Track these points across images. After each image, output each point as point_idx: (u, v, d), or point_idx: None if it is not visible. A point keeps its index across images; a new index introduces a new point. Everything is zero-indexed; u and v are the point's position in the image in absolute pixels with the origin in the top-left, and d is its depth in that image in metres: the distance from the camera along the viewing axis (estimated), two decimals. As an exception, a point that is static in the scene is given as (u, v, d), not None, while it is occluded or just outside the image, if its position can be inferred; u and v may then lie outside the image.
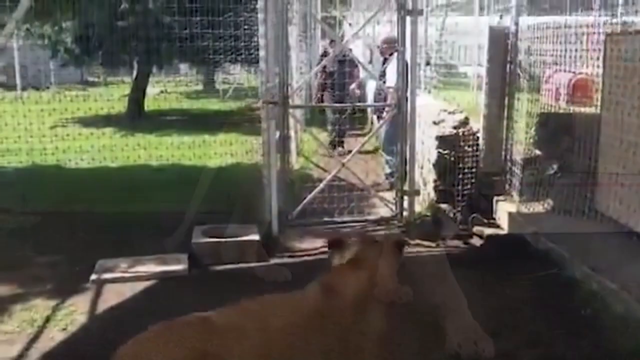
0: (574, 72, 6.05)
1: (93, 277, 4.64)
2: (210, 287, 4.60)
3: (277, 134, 5.51)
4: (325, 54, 8.96)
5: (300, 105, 6.19)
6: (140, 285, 4.61)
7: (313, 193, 5.77)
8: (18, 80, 18.58)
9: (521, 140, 5.69)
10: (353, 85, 7.65)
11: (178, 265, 4.83)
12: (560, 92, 5.83)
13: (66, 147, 8.50)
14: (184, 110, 16.17)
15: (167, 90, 19.30)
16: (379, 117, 7.73)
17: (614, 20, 4.89)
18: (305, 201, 5.72)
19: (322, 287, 2.54)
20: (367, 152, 8.53)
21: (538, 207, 5.42)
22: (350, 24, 14.59)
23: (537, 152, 5.54)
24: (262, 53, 5.40)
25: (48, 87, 19.37)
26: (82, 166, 8.57)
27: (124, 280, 4.65)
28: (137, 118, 14.29)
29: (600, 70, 4.88)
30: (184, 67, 19.98)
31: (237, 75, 17.67)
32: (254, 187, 5.83)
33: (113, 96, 15.88)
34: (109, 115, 13.32)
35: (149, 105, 15.57)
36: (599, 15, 4.92)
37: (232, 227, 5.38)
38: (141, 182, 7.71)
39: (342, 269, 2.62)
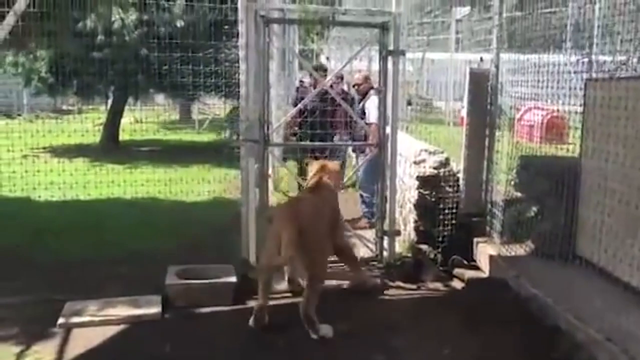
0: (545, 110, 6.13)
1: (60, 320, 4.43)
2: (184, 333, 4.42)
3: (256, 167, 5.41)
4: (301, 87, 8.99)
5: (280, 144, 6.09)
6: (111, 331, 4.40)
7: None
8: (-12, 108, 18.25)
9: (502, 182, 5.67)
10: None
11: (150, 309, 4.64)
12: (532, 131, 5.87)
13: (36, 179, 8.24)
14: (159, 140, 15.99)
15: (142, 120, 19.09)
16: (356, 153, 7.74)
17: (590, 59, 4.94)
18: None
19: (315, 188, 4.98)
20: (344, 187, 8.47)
21: (519, 250, 5.37)
22: (327, 58, 14.66)
23: (518, 194, 5.51)
24: (242, 90, 5.32)
25: (20, 115, 19.08)
26: (52, 199, 8.34)
27: (94, 324, 4.45)
28: (111, 148, 14.10)
29: (575, 108, 4.91)
30: (160, 96, 19.83)
31: (214, 105, 17.58)
32: (232, 223, 5.69)
33: (87, 126, 15.70)
34: (81, 145, 13.11)
35: (124, 135, 15.37)
36: (574, 55, 4.98)
37: (208, 267, 5.22)
38: (112, 218, 7.50)
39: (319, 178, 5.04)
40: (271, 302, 4.68)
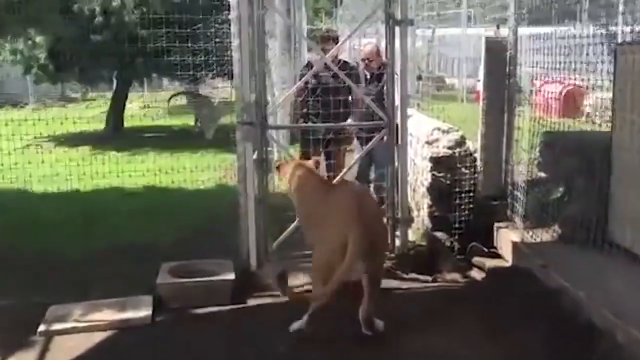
0: (564, 83, 5.63)
1: (41, 328, 4.04)
2: (177, 337, 4.02)
3: (255, 154, 4.96)
4: (308, 66, 8.09)
5: (280, 126, 5.49)
6: (97, 337, 4.00)
7: (296, 222, 5.19)
8: (-7, 97, 17.95)
9: (524, 161, 5.17)
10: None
11: (140, 312, 4.24)
12: (550, 104, 5.38)
13: (34, 170, 7.85)
14: (165, 126, 15.58)
15: (149, 105, 18.69)
16: (360, 139, 6.34)
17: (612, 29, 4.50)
18: (286, 232, 5.15)
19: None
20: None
21: (545, 236, 4.89)
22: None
23: (542, 174, 5.01)
24: (236, 68, 4.86)
25: (27, 104, 18.78)
26: (50, 190, 7.97)
27: (78, 330, 4.05)
28: (115, 135, 13.74)
29: (605, 83, 4.41)
30: (167, 81, 19.45)
31: (221, 88, 17.13)
32: (233, 213, 5.26)
33: (92, 113, 15.33)
34: (86, 132, 12.76)
35: (129, 121, 14.98)
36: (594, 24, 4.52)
37: (205, 263, 4.81)
38: (110, 210, 7.10)
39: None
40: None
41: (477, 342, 3.84)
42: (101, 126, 14.28)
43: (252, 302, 4.54)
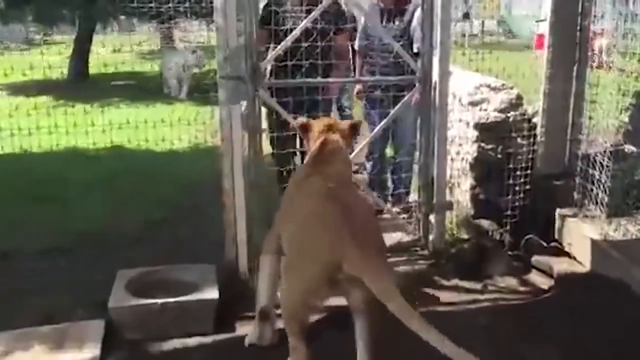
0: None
1: None
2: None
3: (243, 107, 3.62)
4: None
5: (280, 82, 3.99)
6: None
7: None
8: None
9: (604, 129, 3.90)
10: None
11: (84, 350, 2.95)
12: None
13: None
14: (136, 73, 13.95)
15: (119, 49, 16.97)
16: (371, 102, 4.73)
17: None
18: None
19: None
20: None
21: (632, 229, 3.68)
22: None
23: (632, 147, 3.76)
24: (217, 2, 3.46)
25: (-15, 47, 16.99)
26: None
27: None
28: (79, 83, 12.22)
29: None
30: (139, 24, 17.77)
31: (198, 32, 15.49)
32: (213, 184, 3.96)
33: (52, 58, 13.65)
34: (47, 80, 11.16)
35: (96, 67, 13.35)
36: None
37: (178, 270, 3.53)
38: (60, 181, 5.73)
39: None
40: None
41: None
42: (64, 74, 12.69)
43: (242, 328, 3.27)
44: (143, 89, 12.10)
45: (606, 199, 3.75)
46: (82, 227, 4.52)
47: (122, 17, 12.48)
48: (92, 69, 12.91)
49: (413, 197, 4.56)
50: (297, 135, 4.11)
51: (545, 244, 4.01)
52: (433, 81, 3.86)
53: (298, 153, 4.19)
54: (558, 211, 4.09)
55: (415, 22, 4.47)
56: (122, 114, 8.59)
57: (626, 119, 3.77)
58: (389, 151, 4.99)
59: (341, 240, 2.37)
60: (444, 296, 3.65)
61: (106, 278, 3.40)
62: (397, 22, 4.58)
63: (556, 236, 4.06)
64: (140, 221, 4.64)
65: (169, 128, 5.46)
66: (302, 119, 3.18)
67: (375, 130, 4.21)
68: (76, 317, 3.30)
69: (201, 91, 7.49)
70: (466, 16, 4.81)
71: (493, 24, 20.12)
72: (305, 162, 3.06)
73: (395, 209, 4.33)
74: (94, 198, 5.28)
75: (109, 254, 4.03)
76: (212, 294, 3.25)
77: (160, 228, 4.57)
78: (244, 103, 3.65)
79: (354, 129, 3.11)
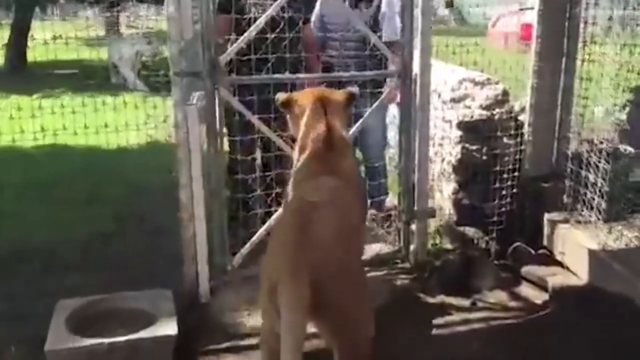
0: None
1: None
2: None
3: (199, 104, 3.13)
4: None
5: (243, 79, 3.52)
6: None
7: (266, 225, 3.46)
8: None
9: (598, 127, 3.59)
10: None
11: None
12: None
13: None
14: (79, 60, 13.11)
15: (61, 35, 16.03)
16: None
17: None
18: (257, 236, 3.43)
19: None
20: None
21: (630, 236, 3.39)
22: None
23: (628, 147, 3.47)
24: (168, -15, 2.97)
25: None
26: None
27: None
28: (16, 72, 11.40)
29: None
30: (83, 8, 16.83)
31: (145, 17, 14.70)
32: (169, 187, 3.49)
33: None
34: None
35: (36, 55, 12.47)
36: None
37: (129, 298, 3.05)
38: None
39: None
40: None
41: None
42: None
43: (203, 366, 2.83)
44: (89, 78, 11.34)
45: (603, 204, 3.44)
46: (15, 242, 3.98)
47: (62, 0, 11.65)
48: (31, 56, 12.08)
49: (389, 201, 4.17)
50: (262, 139, 3.69)
51: (533, 252, 3.70)
52: (414, 74, 3.46)
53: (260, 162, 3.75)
54: (547, 216, 3.78)
55: (384, 7, 4.06)
56: (68, 106, 7.97)
57: (624, 117, 3.46)
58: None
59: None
60: (430, 314, 3.29)
61: (42, 311, 2.92)
62: (363, 9, 4.12)
63: (545, 243, 3.75)
64: (82, 236, 4.11)
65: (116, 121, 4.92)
66: (283, 94, 2.71)
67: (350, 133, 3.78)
68: (9, 356, 2.82)
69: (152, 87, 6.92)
70: (449, 4, 4.43)
71: (444, 11, 19.89)
72: (305, 155, 2.43)
73: (373, 217, 3.92)
74: (30, 206, 4.72)
75: (44, 277, 3.53)
76: (169, 328, 2.78)
77: (105, 246, 4.05)
78: (202, 102, 3.18)
79: (351, 100, 2.69)
